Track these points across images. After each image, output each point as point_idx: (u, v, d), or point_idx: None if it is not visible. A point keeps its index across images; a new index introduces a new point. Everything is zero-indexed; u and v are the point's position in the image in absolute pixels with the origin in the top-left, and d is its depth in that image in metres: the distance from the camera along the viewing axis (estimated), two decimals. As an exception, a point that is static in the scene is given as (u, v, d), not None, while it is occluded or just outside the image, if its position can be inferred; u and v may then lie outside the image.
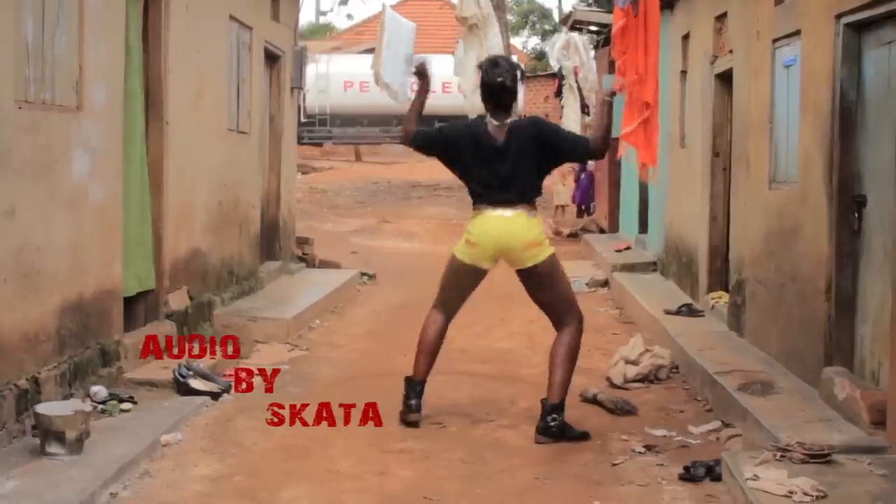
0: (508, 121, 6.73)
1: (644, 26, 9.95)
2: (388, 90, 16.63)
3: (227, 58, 10.43)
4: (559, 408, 6.62)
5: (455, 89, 25.49)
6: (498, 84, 6.71)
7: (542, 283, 6.75)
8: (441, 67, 21.67)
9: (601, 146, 6.72)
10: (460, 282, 6.92)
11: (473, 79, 14.91)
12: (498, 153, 6.66)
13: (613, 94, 6.86)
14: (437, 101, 25.30)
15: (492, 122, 6.73)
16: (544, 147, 6.67)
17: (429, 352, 6.90)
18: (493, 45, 14.72)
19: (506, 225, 6.63)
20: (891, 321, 5.73)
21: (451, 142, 6.85)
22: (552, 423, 6.57)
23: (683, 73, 11.96)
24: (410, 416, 6.76)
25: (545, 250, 6.68)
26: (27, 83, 6.16)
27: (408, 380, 6.89)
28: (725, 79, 9.91)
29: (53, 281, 6.49)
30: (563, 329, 6.76)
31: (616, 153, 16.25)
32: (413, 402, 6.80)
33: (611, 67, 14.20)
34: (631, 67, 10.37)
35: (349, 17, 69.38)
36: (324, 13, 71.14)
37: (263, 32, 11.80)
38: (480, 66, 6.92)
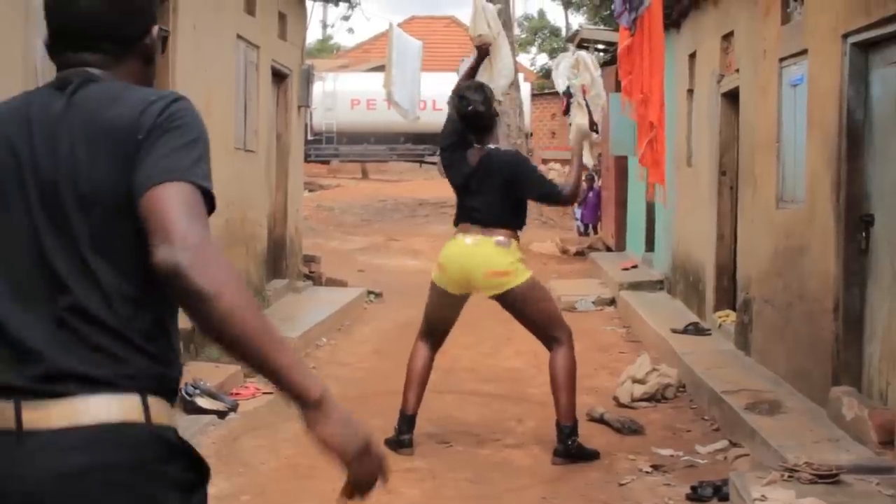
0: (487, 146, 6.75)
1: (649, 46, 9.97)
2: (398, 109, 16.68)
3: (235, 76, 10.47)
4: (575, 429, 6.62)
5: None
6: (471, 114, 6.73)
7: (517, 309, 6.70)
8: (447, 86, 21.81)
9: (571, 195, 6.79)
10: (440, 306, 6.89)
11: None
12: (470, 176, 6.69)
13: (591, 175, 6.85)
14: (444, 118, 25.19)
15: (474, 147, 6.77)
16: (511, 186, 6.64)
17: (417, 384, 6.85)
18: (503, 65, 14.73)
19: (468, 252, 6.60)
20: (899, 341, 5.72)
21: (446, 167, 6.95)
22: (571, 445, 6.57)
23: (690, 91, 11.97)
24: (402, 451, 6.71)
25: (515, 278, 6.57)
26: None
27: (400, 412, 6.86)
28: (732, 97, 9.91)
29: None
30: (555, 350, 6.71)
31: (625, 172, 16.29)
32: (405, 437, 6.76)
33: (616, 86, 14.20)
34: (637, 87, 10.39)
35: (350, 31, 69.37)
36: (326, 26, 71.47)
37: (271, 51, 11.84)
38: (449, 104, 6.98)
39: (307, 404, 2.09)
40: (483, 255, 6.57)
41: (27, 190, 2.10)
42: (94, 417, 2.01)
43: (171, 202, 1.99)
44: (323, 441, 2.13)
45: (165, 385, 2.13)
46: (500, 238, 6.58)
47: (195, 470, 2.21)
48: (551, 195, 6.80)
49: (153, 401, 2.08)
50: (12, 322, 2.06)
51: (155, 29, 2.30)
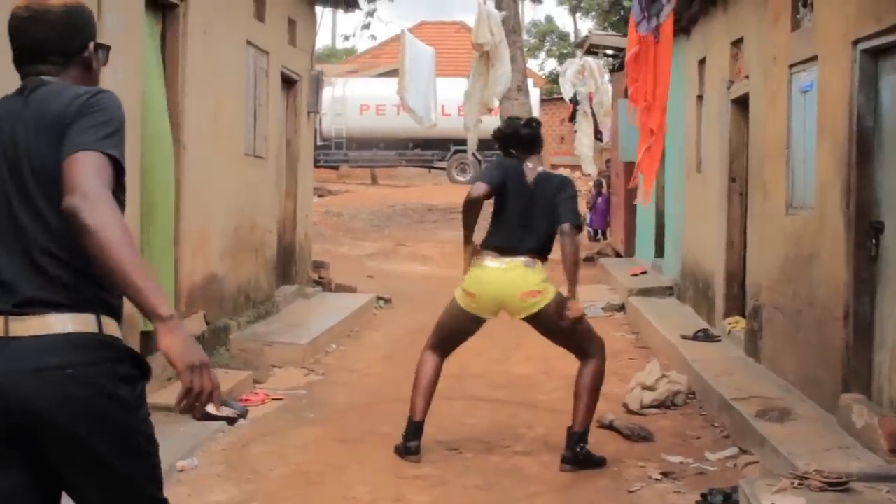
0: (540, 168, 6.81)
1: (654, 54, 9.98)
2: (412, 115, 16.73)
3: (245, 83, 10.49)
4: (584, 436, 6.61)
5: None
6: (523, 130, 6.88)
7: (550, 328, 6.70)
8: (458, 91, 21.81)
9: (576, 236, 6.57)
10: (460, 326, 6.87)
11: (476, 111, 14.96)
12: (530, 194, 6.69)
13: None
14: (453, 125, 25.32)
15: (527, 164, 6.80)
16: (553, 209, 6.63)
17: (425, 391, 6.83)
18: (501, 73, 14.71)
19: (500, 277, 6.57)
20: (909, 348, 5.70)
21: (504, 176, 6.81)
22: (580, 451, 6.56)
23: (700, 97, 11.96)
24: (409, 458, 6.70)
25: (545, 297, 6.58)
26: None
27: (408, 419, 6.83)
28: (742, 104, 9.91)
29: (71, 306, 6.50)
30: (588, 359, 6.73)
31: (630, 180, 16.28)
32: (412, 443, 6.74)
33: (626, 92, 14.23)
34: (641, 95, 10.42)
35: (373, 37, 69.41)
36: (347, 38, 71.52)
37: (280, 57, 11.86)
38: (499, 130, 7.05)
39: (158, 319, 2.67)
40: (514, 276, 6.57)
41: (0, 167, 2.88)
42: (61, 329, 2.79)
43: (79, 165, 2.72)
44: (165, 350, 2.68)
45: (111, 308, 2.90)
46: (527, 259, 6.59)
47: (139, 368, 2.94)
48: (567, 216, 6.57)
49: (104, 318, 2.86)
50: None
51: (91, 45, 3.06)
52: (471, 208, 6.71)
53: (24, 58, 3.02)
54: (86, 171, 2.71)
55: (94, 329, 2.83)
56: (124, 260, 2.64)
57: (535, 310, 6.58)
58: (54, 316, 2.79)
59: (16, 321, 2.79)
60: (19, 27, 3.00)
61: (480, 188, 6.64)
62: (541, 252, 6.66)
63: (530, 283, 6.55)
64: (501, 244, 6.66)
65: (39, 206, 2.83)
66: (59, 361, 2.76)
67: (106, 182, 2.74)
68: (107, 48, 3.16)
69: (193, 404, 2.76)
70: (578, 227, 6.62)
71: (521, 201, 6.68)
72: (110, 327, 2.88)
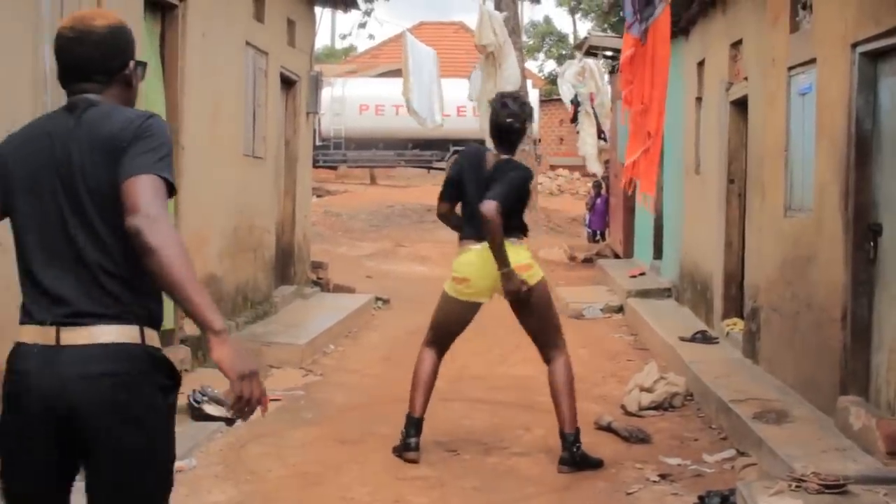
0: (503, 156, 6.80)
1: (651, 56, 9.98)
2: (416, 117, 16.76)
3: (244, 83, 10.49)
4: (577, 435, 6.62)
5: (470, 113, 25.70)
6: (506, 125, 6.81)
7: (533, 309, 6.70)
8: (456, 92, 21.80)
9: (487, 212, 6.40)
10: (454, 319, 6.90)
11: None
12: (487, 180, 6.68)
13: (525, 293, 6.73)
14: (452, 125, 25.35)
15: (491, 151, 6.87)
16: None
17: (424, 388, 6.85)
18: (509, 73, 14.74)
19: (487, 256, 6.57)
20: (907, 351, 5.70)
21: (462, 170, 6.89)
22: (576, 452, 6.57)
23: (698, 99, 11.96)
24: (408, 454, 6.72)
25: (536, 274, 6.66)
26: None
27: (407, 416, 6.85)
28: (741, 106, 9.91)
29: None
30: (554, 359, 6.75)
31: (624, 181, 16.31)
32: (412, 440, 6.75)
33: (625, 93, 14.24)
34: (637, 97, 10.41)
35: (371, 37, 69.13)
36: (344, 36, 71.29)
37: (279, 58, 11.86)
38: (491, 103, 7.02)
39: (211, 332, 2.87)
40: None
41: (53, 183, 3.02)
42: (107, 339, 2.98)
43: (139, 187, 2.90)
44: (218, 360, 2.89)
45: (154, 319, 3.10)
46: (512, 238, 6.60)
47: (172, 378, 3.14)
48: (496, 195, 6.50)
49: (147, 330, 3.05)
50: (47, 277, 3.02)
51: (132, 63, 3.22)
52: (443, 220, 7.12)
53: (69, 76, 3.17)
54: (146, 193, 2.90)
55: (137, 340, 3.02)
56: (183, 277, 2.85)
57: (531, 283, 6.60)
58: (102, 327, 2.98)
59: (67, 331, 2.97)
60: (64, 47, 3.15)
61: (441, 207, 7.00)
62: (511, 231, 6.62)
63: (521, 258, 6.60)
64: (473, 234, 6.71)
65: (95, 223, 2.99)
66: (104, 369, 2.96)
67: (164, 203, 2.93)
68: (144, 64, 3.33)
69: (243, 409, 2.95)
70: (495, 203, 6.43)
71: (480, 188, 6.65)
72: (152, 339, 3.07)
